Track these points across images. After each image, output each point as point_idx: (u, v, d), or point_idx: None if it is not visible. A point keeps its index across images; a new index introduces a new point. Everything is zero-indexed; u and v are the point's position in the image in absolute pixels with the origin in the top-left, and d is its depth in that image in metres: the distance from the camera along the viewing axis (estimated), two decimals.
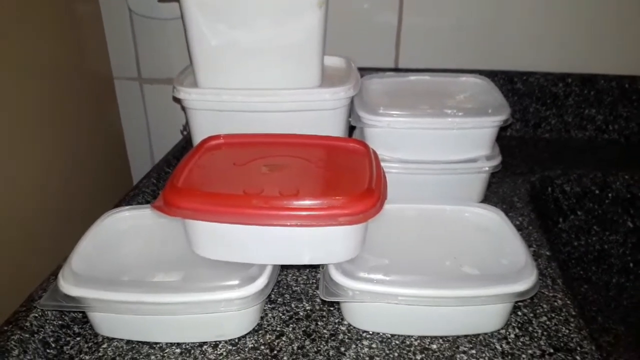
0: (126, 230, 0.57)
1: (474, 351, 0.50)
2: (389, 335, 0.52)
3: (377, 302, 0.49)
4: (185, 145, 0.91)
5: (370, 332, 0.53)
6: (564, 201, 0.85)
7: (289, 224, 0.45)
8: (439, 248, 0.55)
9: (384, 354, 0.50)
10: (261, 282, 0.50)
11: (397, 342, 0.52)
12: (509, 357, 0.50)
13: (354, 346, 0.51)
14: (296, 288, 0.59)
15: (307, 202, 0.46)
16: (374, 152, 0.56)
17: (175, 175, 0.50)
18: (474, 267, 0.52)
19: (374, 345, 0.51)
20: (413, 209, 0.61)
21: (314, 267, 0.62)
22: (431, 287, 0.48)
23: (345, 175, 0.52)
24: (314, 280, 0.60)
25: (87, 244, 0.54)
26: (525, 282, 0.48)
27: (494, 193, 0.78)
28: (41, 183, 0.81)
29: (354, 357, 0.50)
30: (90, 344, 0.52)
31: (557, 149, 0.93)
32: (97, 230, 0.56)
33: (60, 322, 0.53)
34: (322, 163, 0.55)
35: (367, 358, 0.50)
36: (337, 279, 0.49)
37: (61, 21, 0.85)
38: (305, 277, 0.61)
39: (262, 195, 0.47)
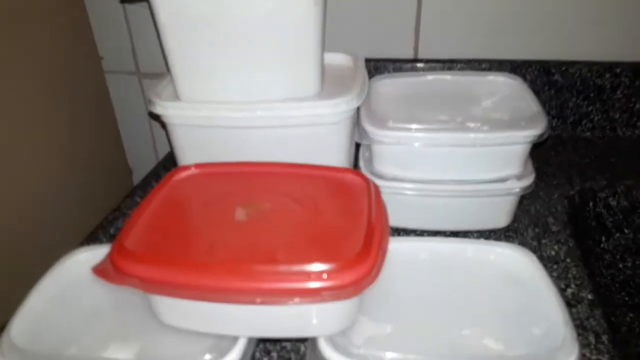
0: (84, 280, 0.48)
1: None
2: None
3: None
4: None
5: None
6: (609, 217, 0.73)
7: (259, 301, 0.36)
8: (457, 307, 0.45)
9: None
10: (234, 356, 0.41)
11: None
12: None
13: None
14: (286, 343, 0.50)
15: (284, 269, 0.36)
16: (375, 188, 0.46)
17: (127, 228, 0.41)
18: (498, 339, 0.41)
19: None
20: (426, 248, 0.51)
21: None
22: None
23: (338, 223, 0.43)
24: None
25: (37, 300, 0.46)
26: None
27: (525, 212, 0.67)
28: (33, 186, 0.73)
29: None
30: None
31: (601, 150, 0.80)
32: (49, 280, 0.48)
33: None
34: (310, 204, 0.45)
35: None
36: (327, 354, 0.40)
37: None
38: None
39: (229, 261, 0.38)
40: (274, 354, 0.49)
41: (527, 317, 0.43)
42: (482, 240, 0.52)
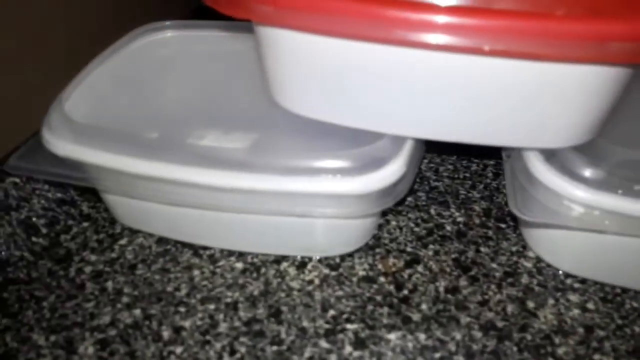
0: (165, 60, 0.34)
1: None
2: (618, 290, 0.28)
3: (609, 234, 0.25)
4: None
5: (580, 278, 0.29)
6: None
7: (487, 48, 0.20)
8: None
9: (612, 325, 0.27)
10: (395, 169, 0.26)
11: (635, 304, 0.28)
12: None
13: (551, 301, 0.28)
14: (436, 183, 0.36)
15: None
16: None
17: None
18: None
19: (590, 306, 0.28)
20: None
21: (471, 153, 0.38)
22: None
23: None
24: (467, 173, 0.36)
25: (99, 76, 0.32)
26: None
27: None
28: None
29: (555, 323, 0.27)
30: (102, 236, 0.32)
31: None
32: (118, 56, 0.34)
33: (59, 194, 0.34)
34: None
35: (581, 329, 0.27)
36: (549, 179, 0.25)
37: None
38: (450, 166, 0.37)
39: None
40: (429, 170, 0.34)
41: None
42: None
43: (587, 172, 0.24)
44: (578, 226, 0.25)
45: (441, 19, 0.19)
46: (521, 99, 0.23)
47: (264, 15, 0.22)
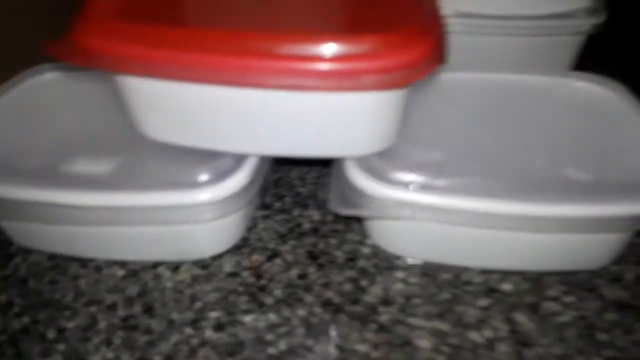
0: (47, 99, 0.38)
1: (569, 298, 0.33)
2: (436, 266, 0.35)
3: (420, 221, 0.31)
4: None
5: (407, 259, 0.35)
6: None
7: (271, 82, 0.25)
8: (524, 138, 0.35)
9: (427, 294, 0.33)
10: (239, 179, 0.32)
11: (448, 276, 0.34)
12: (629, 310, 0.32)
13: (380, 278, 0.34)
14: (302, 189, 0.41)
15: (305, 44, 0.26)
16: None
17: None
18: (583, 169, 0.32)
19: (411, 280, 0.34)
20: (480, 79, 0.41)
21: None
22: (519, 200, 0.29)
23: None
24: (328, 179, 0.42)
25: None
26: None
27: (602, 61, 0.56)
28: None
29: (381, 296, 0.33)
30: None
31: None
32: (3, 97, 0.38)
33: None
34: None
35: (401, 299, 0.33)
36: (359, 181, 0.31)
37: None
38: (315, 174, 0.43)
39: (228, 29, 0.27)
40: (297, 179, 0.40)
41: (616, 148, 0.34)
42: (548, 72, 0.41)
43: (386, 173, 0.31)
44: (381, 216, 0.31)
45: (231, 61, 0.25)
46: (326, 121, 0.29)
47: (98, 63, 0.27)
